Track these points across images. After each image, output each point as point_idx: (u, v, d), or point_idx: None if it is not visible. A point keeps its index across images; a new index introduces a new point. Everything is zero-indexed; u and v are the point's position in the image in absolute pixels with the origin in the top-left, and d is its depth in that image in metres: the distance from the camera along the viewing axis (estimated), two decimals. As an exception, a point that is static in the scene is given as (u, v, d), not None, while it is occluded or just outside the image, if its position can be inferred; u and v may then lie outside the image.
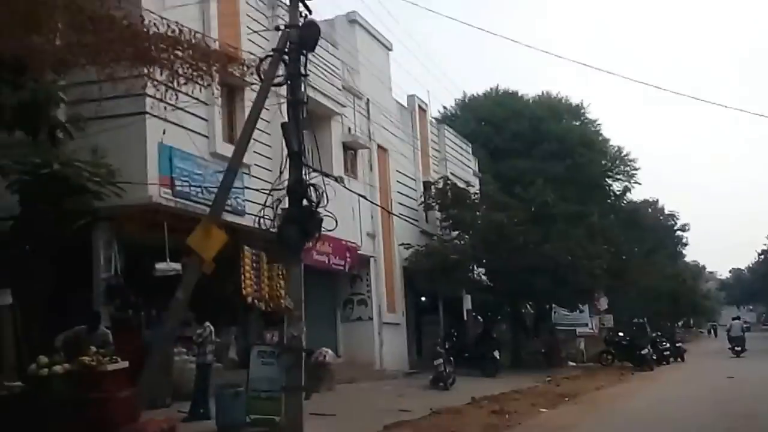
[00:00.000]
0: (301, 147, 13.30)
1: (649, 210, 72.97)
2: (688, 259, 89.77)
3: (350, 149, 24.49)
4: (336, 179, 22.82)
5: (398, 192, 27.25)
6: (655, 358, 30.44)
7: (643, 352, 29.04)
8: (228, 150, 15.51)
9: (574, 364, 31.96)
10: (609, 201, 51.59)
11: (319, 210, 13.14)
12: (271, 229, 13.25)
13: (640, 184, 51.47)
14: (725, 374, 24.13)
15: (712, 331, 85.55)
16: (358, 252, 23.28)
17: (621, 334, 32.47)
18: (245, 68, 13.81)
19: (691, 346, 54.31)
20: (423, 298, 31.74)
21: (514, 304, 30.62)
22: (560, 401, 18.24)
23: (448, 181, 28.55)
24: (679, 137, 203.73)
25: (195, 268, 12.67)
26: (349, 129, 24.14)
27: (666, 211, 76.74)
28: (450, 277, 26.73)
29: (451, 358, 22.14)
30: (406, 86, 49.26)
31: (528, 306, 38.72)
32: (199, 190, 16.78)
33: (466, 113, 46.66)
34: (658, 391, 20.56)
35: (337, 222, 13.31)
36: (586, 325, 37.44)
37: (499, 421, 14.51)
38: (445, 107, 48.67)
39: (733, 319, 43.58)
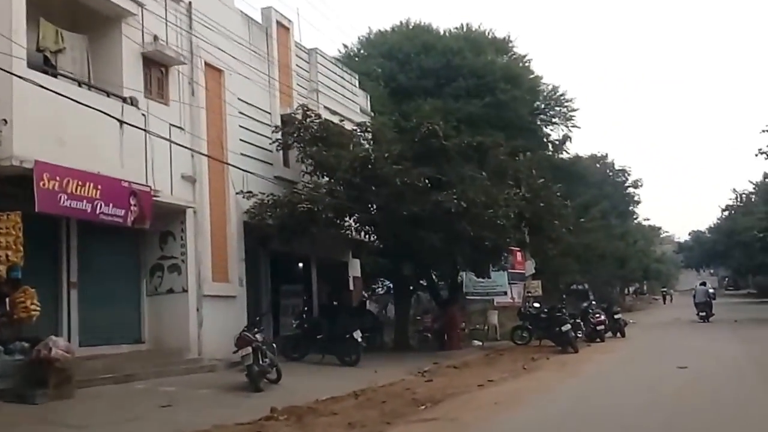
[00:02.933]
0: None
1: (597, 165, 68.61)
2: (643, 221, 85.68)
3: (158, 65, 18.55)
4: (125, 100, 17.07)
5: (241, 126, 21.29)
6: (580, 335, 25.11)
7: (563, 328, 23.54)
8: None
9: (480, 343, 26.39)
10: (546, 152, 46.94)
11: None
12: None
13: (578, 127, 46.86)
14: (674, 360, 18.82)
15: (667, 297, 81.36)
16: (157, 199, 17.33)
17: (537, 305, 26.94)
18: None
19: (640, 315, 49.88)
20: (301, 264, 26.39)
21: (398, 268, 24.78)
22: (407, 412, 12.59)
23: (309, 112, 22.58)
24: (640, 94, 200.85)
25: None
26: (155, 37, 18.16)
27: (616, 167, 72.36)
28: (306, 233, 21.02)
29: (274, 345, 16.59)
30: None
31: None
32: None
33: (369, 50, 40.83)
34: (566, 392, 14.65)
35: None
36: (505, 293, 31.89)
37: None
38: (346, 45, 43.02)
39: (700, 284, 42.33)
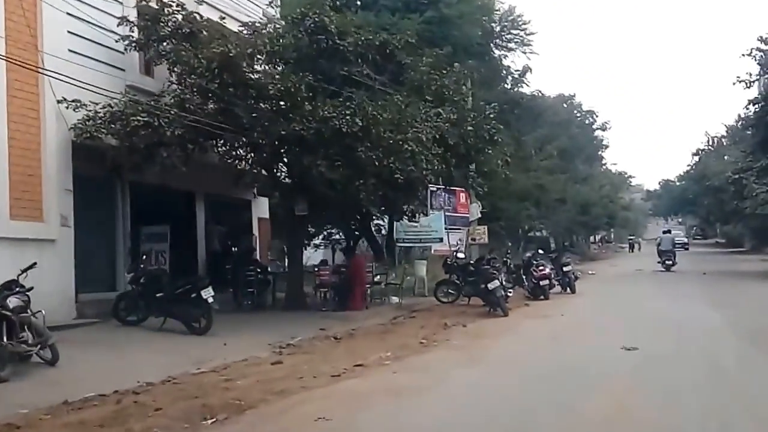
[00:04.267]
0: None
1: (564, 105, 63.40)
2: (611, 165, 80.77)
3: None
4: None
5: (70, 14, 15.62)
6: (511, 293, 19.78)
7: (490, 286, 18.26)
8: None
9: (397, 300, 21.15)
10: (504, 85, 41.54)
11: None
12: None
13: (537, 54, 41.98)
14: (623, 331, 14.03)
15: (635, 246, 76.59)
16: None
17: (461, 255, 21.61)
18: None
19: (603, 265, 45.10)
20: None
21: (290, 207, 19.26)
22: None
23: (170, 0, 16.90)
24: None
25: None
26: None
27: (584, 108, 67.13)
28: (155, 159, 15.60)
29: (43, 311, 11.14)
30: None
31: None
32: None
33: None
34: (442, 398, 8.95)
35: None
36: (441, 240, 26.63)
37: None
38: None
39: (664, 232, 42.30)
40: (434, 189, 28.48)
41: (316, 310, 18.96)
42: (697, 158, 67.89)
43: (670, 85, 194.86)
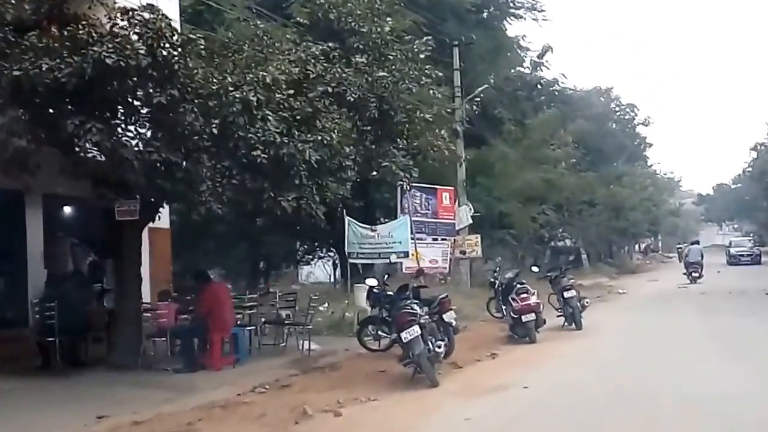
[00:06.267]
0: None
1: (602, 99, 55.94)
2: (656, 165, 72.47)
3: None
4: None
5: None
6: (441, 350, 11.09)
7: (404, 336, 10.31)
8: None
9: (306, 347, 13.78)
10: (522, 68, 34.74)
11: None
12: None
13: (548, 20, 36.12)
14: None
15: (684, 255, 67.70)
16: None
17: (371, 282, 14.04)
18: None
19: (640, 280, 37.87)
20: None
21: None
22: None
23: None
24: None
25: None
26: None
27: (623, 103, 59.26)
28: None
29: None
30: None
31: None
32: None
33: None
34: None
35: None
36: (405, 254, 19.54)
37: None
38: None
39: (692, 243, 40.14)
40: (405, 187, 21.46)
41: (157, 370, 11.98)
42: (755, 154, 58.79)
43: (721, 83, 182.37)
